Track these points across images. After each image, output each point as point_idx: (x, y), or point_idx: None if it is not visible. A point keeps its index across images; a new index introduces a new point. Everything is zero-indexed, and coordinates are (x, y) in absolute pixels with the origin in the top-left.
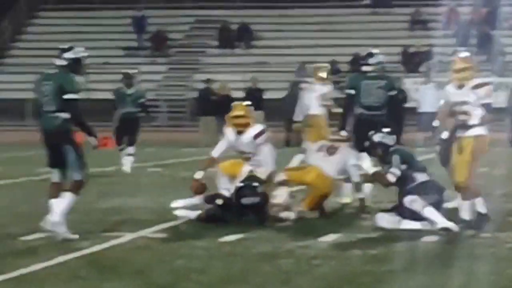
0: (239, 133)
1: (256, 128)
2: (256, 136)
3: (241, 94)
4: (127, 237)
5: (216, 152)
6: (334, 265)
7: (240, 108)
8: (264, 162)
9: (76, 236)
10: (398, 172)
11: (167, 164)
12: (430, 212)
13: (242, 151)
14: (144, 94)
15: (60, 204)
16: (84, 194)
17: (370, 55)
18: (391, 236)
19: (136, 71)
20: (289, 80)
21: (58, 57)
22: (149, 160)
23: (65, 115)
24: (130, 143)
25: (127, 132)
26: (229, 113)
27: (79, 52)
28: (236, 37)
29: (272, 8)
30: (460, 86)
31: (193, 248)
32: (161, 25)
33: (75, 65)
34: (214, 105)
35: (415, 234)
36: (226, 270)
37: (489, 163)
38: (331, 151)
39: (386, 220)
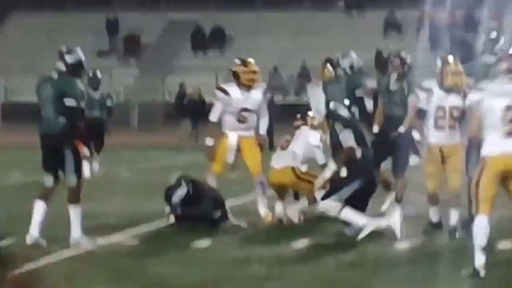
0: (249, 88)
1: (263, 84)
2: (265, 91)
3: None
4: (98, 242)
5: (213, 116)
6: (307, 271)
7: (254, 64)
8: (262, 121)
9: (44, 242)
10: (351, 135)
11: (139, 168)
12: (346, 214)
13: (244, 108)
14: (112, 97)
15: (74, 221)
16: (54, 199)
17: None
18: (363, 241)
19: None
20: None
21: (58, 60)
22: (120, 164)
23: (65, 120)
24: (97, 149)
25: (93, 137)
26: (241, 72)
27: (79, 55)
28: (209, 40)
29: (246, 11)
30: (451, 90)
31: (165, 254)
32: (133, 27)
33: (76, 69)
34: (188, 109)
35: (388, 239)
36: (198, 276)
37: None
38: (284, 145)
39: (328, 205)
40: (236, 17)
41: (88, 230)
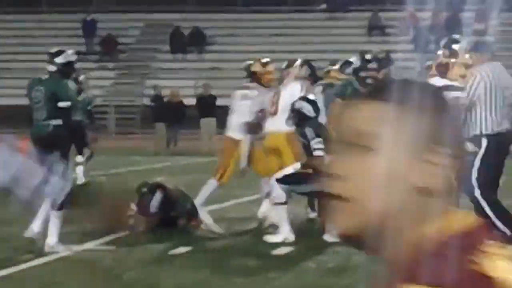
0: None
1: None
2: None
3: (193, 100)
4: (74, 249)
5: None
6: (289, 278)
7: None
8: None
9: (40, 241)
10: (321, 145)
11: (116, 172)
12: (279, 214)
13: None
14: (92, 100)
15: (53, 227)
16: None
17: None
18: (344, 248)
19: (83, 76)
20: (242, 86)
21: (49, 62)
22: (97, 168)
23: (56, 122)
24: (79, 152)
25: (75, 141)
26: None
27: (69, 55)
28: (188, 42)
29: (225, 12)
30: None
31: (143, 260)
32: (111, 29)
33: (67, 70)
34: (165, 112)
35: None
36: (177, 283)
37: None
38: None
39: (276, 190)
40: (215, 18)
41: (63, 236)
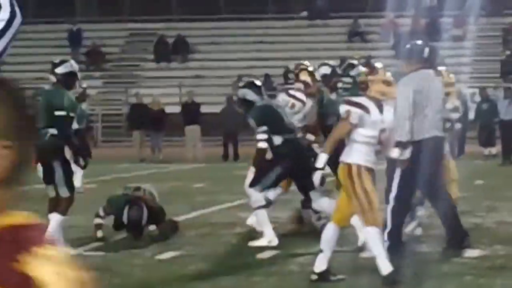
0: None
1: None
2: None
3: (177, 108)
4: None
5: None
6: (274, 282)
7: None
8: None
9: None
10: (264, 136)
11: (102, 180)
12: (258, 216)
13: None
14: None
15: (56, 233)
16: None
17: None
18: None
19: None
20: (226, 94)
21: (51, 72)
22: (85, 176)
23: (53, 131)
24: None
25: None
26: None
27: (70, 66)
28: (172, 50)
29: (208, 21)
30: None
31: (130, 266)
32: (96, 38)
33: (68, 80)
34: (147, 120)
35: (353, 250)
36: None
37: None
38: None
39: (253, 196)
40: (199, 27)
41: None
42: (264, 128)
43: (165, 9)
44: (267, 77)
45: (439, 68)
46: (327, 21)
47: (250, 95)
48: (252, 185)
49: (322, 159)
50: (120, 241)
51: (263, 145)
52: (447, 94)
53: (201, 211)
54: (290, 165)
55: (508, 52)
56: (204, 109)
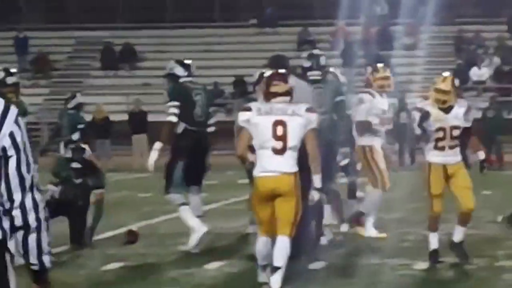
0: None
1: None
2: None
3: (124, 116)
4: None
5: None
6: None
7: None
8: None
9: None
10: (175, 110)
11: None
12: (182, 212)
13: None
14: None
15: None
16: None
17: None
18: None
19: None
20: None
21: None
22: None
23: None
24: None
25: None
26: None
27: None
28: (119, 58)
29: (154, 29)
30: (445, 109)
31: (75, 276)
32: (42, 46)
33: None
34: (93, 129)
35: (301, 260)
36: None
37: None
38: None
39: (172, 198)
40: (145, 35)
41: None
42: (176, 103)
43: (112, 17)
44: (216, 85)
45: (378, 64)
46: (276, 29)
47: (178, 70)
48: (166, 193)
49: (317, 179)
50: (65, 252)
51: (173, 119)
52: (381, 87)
53: (148, 221)
54: (190, 158)
55: (460, 61)
56: (151, 117)
